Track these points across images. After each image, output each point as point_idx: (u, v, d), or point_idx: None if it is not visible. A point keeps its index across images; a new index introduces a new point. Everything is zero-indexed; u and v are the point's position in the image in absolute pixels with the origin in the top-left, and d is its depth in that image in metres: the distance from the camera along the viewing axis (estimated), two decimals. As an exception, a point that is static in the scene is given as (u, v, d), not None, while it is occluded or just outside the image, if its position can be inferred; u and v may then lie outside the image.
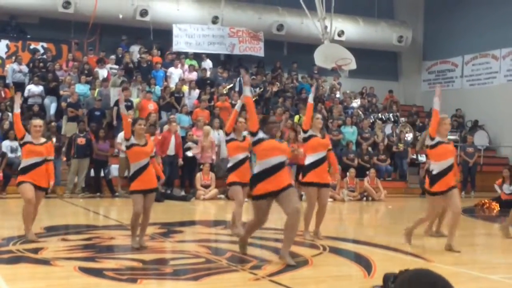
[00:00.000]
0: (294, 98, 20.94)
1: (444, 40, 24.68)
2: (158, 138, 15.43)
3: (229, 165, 9.16)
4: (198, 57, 21.29)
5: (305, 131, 8.69)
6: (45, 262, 6.70)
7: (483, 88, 23.29)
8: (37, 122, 8.23)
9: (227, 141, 9.10)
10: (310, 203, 8.71)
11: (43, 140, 8.20)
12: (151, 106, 17.31)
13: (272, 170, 6.70)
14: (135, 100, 17.62)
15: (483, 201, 15.02)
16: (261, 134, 6.83)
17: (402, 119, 21.96)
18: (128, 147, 7.60)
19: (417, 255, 7.79)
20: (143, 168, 7.53)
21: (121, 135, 14.78)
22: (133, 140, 7.56)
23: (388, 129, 20.66)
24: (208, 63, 21.21)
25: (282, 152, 6.87)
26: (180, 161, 16.00)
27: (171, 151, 15.86)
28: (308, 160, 8.67)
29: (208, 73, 20.65)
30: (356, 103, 22.21)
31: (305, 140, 8.70)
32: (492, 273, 6.79)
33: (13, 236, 8.42)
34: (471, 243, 9.38)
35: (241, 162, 8.91)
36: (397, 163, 19.40)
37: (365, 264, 7.01)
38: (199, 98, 18.94)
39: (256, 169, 6.83)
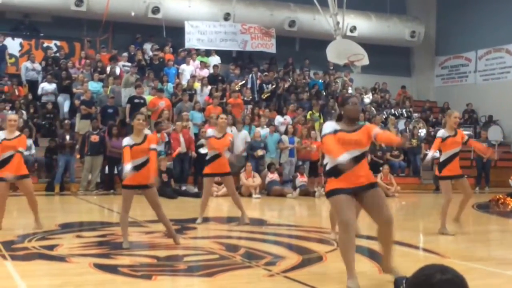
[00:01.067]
0: (307, 94, 20.88)
1: (457, 35, 24.53)
2: (164, 137, 15.54)
3: (207, 158, 10.03)
4: (209, 53, 21.30)
5: None
6: (60, 258, 6.74)
7: (497, 83, 23.13)
8: (12, 117, 8.89)
9: (207, 138, 9.95)
10: None
11: (16, 133, 8.74)
12: (162, 103, 17.35)
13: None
14: (147, 97, 17.67)
15: (497, 197, 14.93)
16: (334, 127, 5.70)
17: (415, 115, 21.88)
18: (130, 146, 7.44)
19: (431, 250, 7.76)
20: (142, 165, 7.45)
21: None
22: (129, 141, 7.44)
23: (401, 124, 20.58)
24: (216, 59, 21.17)
25: (355, 146, 5.65)
26: (193, 154, 16.11)
27: (182, 148, 15.98)
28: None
29: (219, 69, 20.66)
30: (368, 98, 22.14)
31: None
32: (508, 269, 6.75)
33: (28, 233, 8.49)
34: (486, 239, 9.32)
35: (218, 156, 9.74)
36: (410, 159, 19.33)
37: (379, 260, 6.98)
38: (211, 94, 18.96)
39: (327, 164, 5.73)
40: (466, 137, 9.22)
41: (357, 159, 5.62)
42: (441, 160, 9.13)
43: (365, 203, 5.70)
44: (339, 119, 5.86)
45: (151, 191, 7.60)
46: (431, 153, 9.60)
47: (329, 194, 5.68)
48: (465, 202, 9.35)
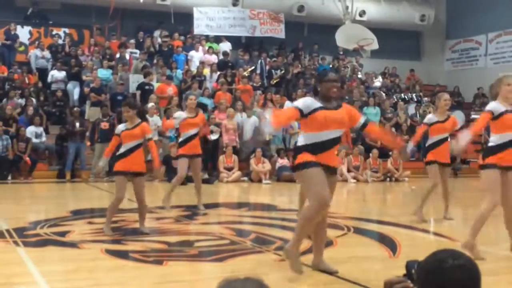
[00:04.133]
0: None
1: (467, 18, 24.33)
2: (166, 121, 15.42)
3: (180, 139, 10.03)
4: (219, 39, 21.25)
5: None
6: (72, 245, 6.79)
7: (508, 66, 22.94)
8: None
9: (181, 119, 9.76)
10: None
11: None
12: (170, 90, 17.34)
13: (323, 146, 5.24)
14: (155, 84, 17.67)
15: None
16: (315, 104, 5.26)
17: (425, 99, 21.79)
18: (118, 134, 7.69)
19: (442, 234, 7.76)
20: (130, 150, 7.60)
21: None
22: (121, 127, 7.70)
23: (411, 109, 20.49)
24: (227, 45, 21.12)
25: (339, 125, 5.32)
26: (210, 137, 16.01)
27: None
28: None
29: (229, 56, 20.61)
30: (378, 82, 22.01)
31: None
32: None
33: (40, 219, 8.55)
34: (495, 222, 9.28)
35: (192, 137, 9.71)
36: (420, 143, 19.22)
37: (390, 244, 7.00)
38: (220, 81, 18.91)
39: (301, 141, 5.38)
40: (458, 126, 8.51)
41: (335, 141, 5.32)
42: (426, 144, 8.69)
43: None
44: (315, 94, 5.48)
45: (139, 180, 7.66)
46: (410, 146, 8.64)
47: (301, 166, 5.22)
48: (446, 194, 8.89)
